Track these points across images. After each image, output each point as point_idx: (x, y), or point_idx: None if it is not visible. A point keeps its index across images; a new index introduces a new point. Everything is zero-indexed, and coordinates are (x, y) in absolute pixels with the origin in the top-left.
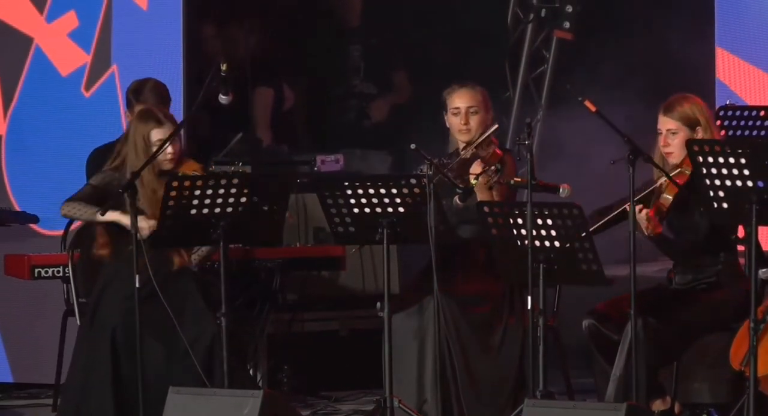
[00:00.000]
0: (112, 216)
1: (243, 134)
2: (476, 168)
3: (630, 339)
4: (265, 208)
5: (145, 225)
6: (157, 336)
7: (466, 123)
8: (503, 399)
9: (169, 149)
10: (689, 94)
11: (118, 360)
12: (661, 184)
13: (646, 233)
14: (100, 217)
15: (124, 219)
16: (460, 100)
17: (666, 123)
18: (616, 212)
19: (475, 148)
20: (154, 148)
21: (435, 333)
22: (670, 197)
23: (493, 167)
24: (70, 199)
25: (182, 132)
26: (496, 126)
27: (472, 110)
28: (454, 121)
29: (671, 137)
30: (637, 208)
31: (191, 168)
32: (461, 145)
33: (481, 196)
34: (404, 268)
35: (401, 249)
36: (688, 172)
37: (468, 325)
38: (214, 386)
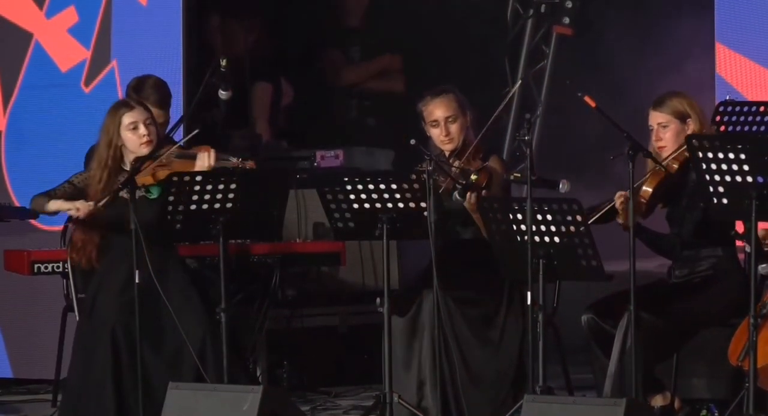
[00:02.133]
0: (54, 205)
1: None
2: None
3: (623, 335)
4: (265, 204)
5: (82, 205)
6: (154, 331)
7: (447, 133)
8: (502, 394)
9: (143, 131)
10: (679, 90)
11: (118, 355)
12: (645, 178)
13: (621, 222)
14: (47, 208)
15: (65, 206)
16: (436, 112)
17: (656, 117)
18: (606, 208)
19: (462, 162)
20: (128, 133)
21: (433, 329)
22: (650, 189)
23: (483, 191)
24: (40, 193)
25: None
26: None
27: (450, 119)
28: (434, 133)
29: (663, 130)
30: (617, 197)
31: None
32: (447, 152)
33: (474, 214)
34: (404, 264)
35: (401, 245)
36: (675, 165)
37: (465, 321)
38: (212, 381)
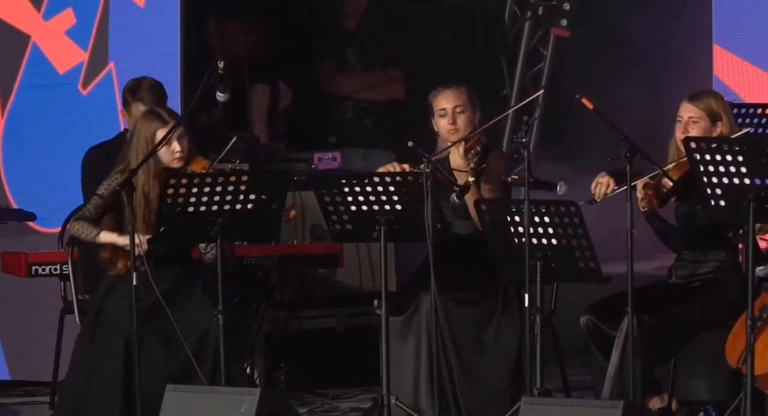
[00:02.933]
0: (107, 237)
1: (238, 136)
2: (456, 158)
3: (624, 337)
4: (263, 206)
5: (138, 241)
6: (170, 338)
7: (454, 123)
8: (500, 396)
9: (177, 147)
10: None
11: (130, 365)
12: (668, 168)
13: (641, 208)
14: (98, 240)
15: (120, 241)
16: (445, 101)
17: (689, 110)
18: (619, 190)
19: (461, 146)
20: (161, 149)
21: (430, 331)
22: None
23: (473, 151)
24: (78, 218)
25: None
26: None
27: (458, 110)
28: (441, 123)
29: (692, 125)
30: (639, 181)
31: (200, 165)
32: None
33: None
34: (401, 266)
35: (398, 247)
36: None
37: (463, 322)
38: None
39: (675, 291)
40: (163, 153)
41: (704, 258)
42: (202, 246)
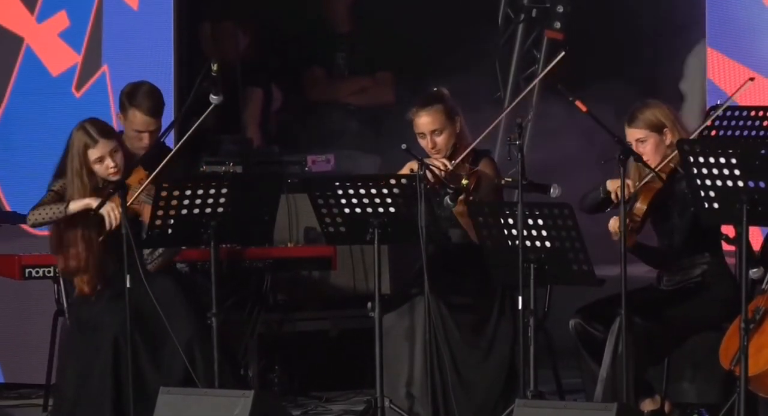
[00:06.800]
0: (77, 205)
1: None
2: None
3: (616, 339)
4: (256, 209)
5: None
6: (153, 338)
7: (434, 146)
8: (494, 399)
9: (110, 163)
10: (649, 99)
11: (119, 364)
12: (634, 193)
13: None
14: (68, 211)
15: (93, 202)
16: (422, 125)
17: (633, 133)
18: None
19: (453, 167)
20: (95, 165)
21: (425, 334)
22: (644, 206)
23: (470, 196)
24: (36, 205)
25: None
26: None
27: (435, 133)
28: (422, 143)
29: (641, 145)
30: (611, 222)
31: (138, 176)
32: None
33: (462, 219)
34: (395, 268)
35: (392, 250)
36: (663, 176)
37: (458, 326)
38: (202, 385)
39: (666, 294)
40: (98, 169)
41: (691, 264)
42: (146, 252)
